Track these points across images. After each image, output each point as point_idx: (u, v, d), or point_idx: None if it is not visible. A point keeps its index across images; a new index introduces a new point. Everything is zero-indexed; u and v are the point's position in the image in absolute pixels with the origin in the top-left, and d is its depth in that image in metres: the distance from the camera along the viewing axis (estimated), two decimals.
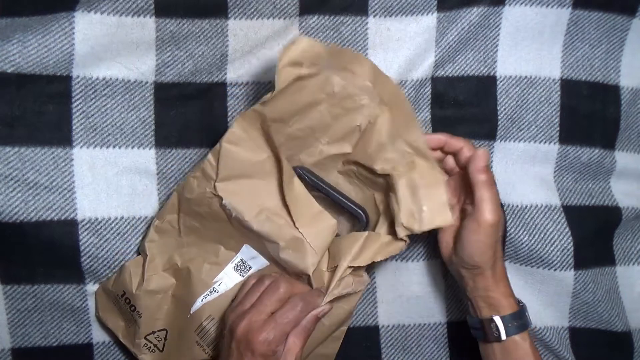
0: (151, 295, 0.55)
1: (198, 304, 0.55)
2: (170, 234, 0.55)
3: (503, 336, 0.49)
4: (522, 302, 0.53)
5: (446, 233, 0.53)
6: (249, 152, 0.51)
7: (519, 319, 0.50)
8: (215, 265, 0.55)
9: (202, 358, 0.56)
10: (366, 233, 0.53)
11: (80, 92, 0.55)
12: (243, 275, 0.55)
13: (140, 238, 0.57)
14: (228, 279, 0.55)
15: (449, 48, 0.60)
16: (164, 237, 0.55)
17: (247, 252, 0.55)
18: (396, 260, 0.63)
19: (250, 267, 0.55)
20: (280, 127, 0.51)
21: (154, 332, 0.56)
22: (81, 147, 0.55)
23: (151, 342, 0.56)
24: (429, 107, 0.61)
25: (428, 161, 0.52)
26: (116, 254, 0.56)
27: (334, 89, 0.51)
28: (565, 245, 0.60)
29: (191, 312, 0.55)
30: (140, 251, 0.56)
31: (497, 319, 0.50)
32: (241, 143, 0.51)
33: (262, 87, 0.58)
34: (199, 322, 0.55)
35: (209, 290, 0.55)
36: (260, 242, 0.52)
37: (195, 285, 0.55)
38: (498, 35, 0.60)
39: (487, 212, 0.48)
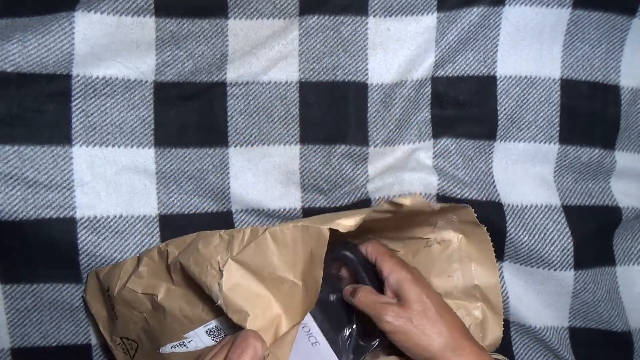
0: (127, 307, 0.53)
1: (167, 349, 0.52)
2: (165, 264, 0.52)
3: None
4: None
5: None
6: (281, 261, 0.47)
7: None
8: (189, 320, 0.51)
9: None
10: None
11: (80, 91, 0.55)
12: (215, 341, 0.51)
13: (139, 237, 0.57)
14: (199, 340, 0.51)
15: (449, 48, 0.60)
16: (161, 262, 0.53)
17: (225, 322, 0.50)
18: None
19: (225, 334, 0.51)
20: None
21: (128, 339, 0.55)
22: (80, 145, 0.55)
23: (125, 346, 0.55)
24: (429, 107, 0.61)
25: (497, 317, 0.54)
26: (115, 253, 0.56)
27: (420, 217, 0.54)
28: (565, 245, 0.60)
29: (160, 351, 0.53)
30: (139, 257, 0.55)
31: None
32: (281, 247, 0.47)
33: (262, 87, 0.58)
34: None
35: (178, 342, 0.52)
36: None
37: (167, 328, 0.52)
38: (498, 35, 0.60)
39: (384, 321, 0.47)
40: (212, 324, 0.51)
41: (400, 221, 0.56)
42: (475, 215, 0.56)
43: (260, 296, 0.47)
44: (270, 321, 0.47)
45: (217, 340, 0.51)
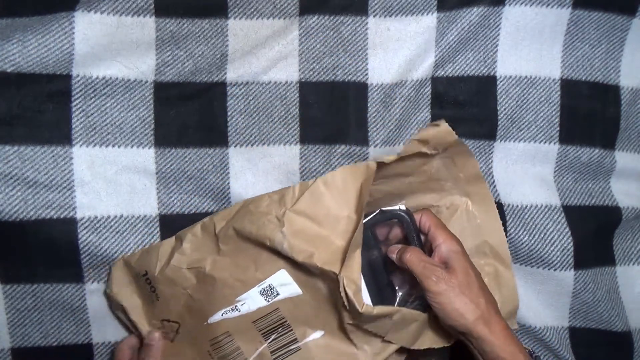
0: (170, 285, 0.54)
1: (217, 316, 0.54)
2: (211, 237, 0.54)
3: None
4: (534, 352, 0.52)
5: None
6: (334, 201, 0.51)
7: None
8: (242, 283, 0.54)
9: None
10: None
11: (80, 91, 0.55)
12: (268, 301, 0.54)
13: (139, 237, 0.57)
14: (252, 301, 0.54)
15: (449, 48, 0.60)
16: (205, 236, 0.54)
17: (279, 277, 0.54)
18: None
19: (277, 294, 0.54)
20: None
21: (169, 321, 0.56)
22: (80, 145, 0.55)
23: (165, 329, 0.56)
24: (429, 107, 0.61)
25: (507, 269, 0.57)
26: (115, 253, 0.56)
27: (431, 170, 0.57)
28: (565, 245, 0.60)
29: (209, 322, 0.54)
30: (177, 237, 0.56)
31: None
32: (333, 190, 0.51)
33: (262, 87, 0.58)
34: (215, 334, 0.54)
35: (230, 307, 0.54)
36: (302, 268, 0.52)
37: (216, 297, 0.54)
38: (498, 35, 0.60)
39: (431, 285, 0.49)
40: (266, 282, 0.54)
41: (416, 186, 0.59)
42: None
43: (320, 236, 0.51)
44: (333, 254, 0.51)
45: (270, 300, 0.54)
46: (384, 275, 0.54)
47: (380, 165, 0.53)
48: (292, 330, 0.55)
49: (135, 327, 0.57)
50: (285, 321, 0.55)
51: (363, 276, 0.52)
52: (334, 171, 0.52)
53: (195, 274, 0.54)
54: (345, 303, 0.49)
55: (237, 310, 0.54)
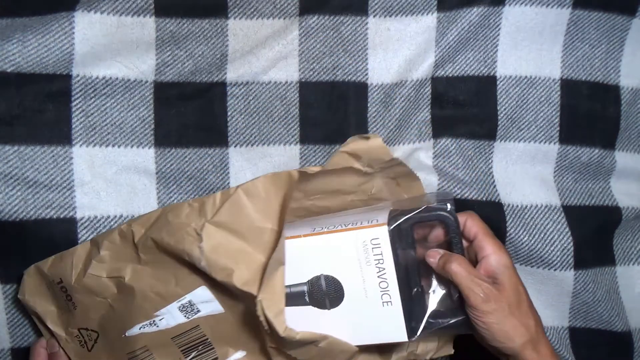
0: (88, 294, 0.52)
1: (135, 330, 0.51)
2: (131, 245, 0.51)
3: None
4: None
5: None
6: (258, 213, 0.47)
7: None
8: (161, 297, 0.50)
9: None
10: None
11: (80, 91, 0.55)
12: (188, 318, 0.51)
13: None
14: (170, 317, 0.51)
15: (449, 48, 0.60)
16: (124, 244, 0.51)
17: (200, 294, 0.50)
18: None
19: (198, 311, 0.51)
20: (300, 197, 0.50)
21: (87, 329, 0.53)
22: (80, 145, 0.55)
23: (83, 337, 0.53)
24: (429, 107, 0.61)
25: None
26: None
27: (371, 190, 0.52)
28: (565, 245, 0.60)
29: (126, 335, 0.52)
30: (92, 242, 0.53)
31: None
32: (255, 200, 0.47)
33: (262, 87, 0.58)
34: (132, 347, 0.52)
35: (148, 321, 0.51)
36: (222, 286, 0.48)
37: (135, 309, 0.51)
38: (498, 35, 0.60)
39: (471, 298, 0.45)
40: (186, 298, 0.50)
41: (358, 204, 0.55)
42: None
43: (242, 251, 0.47)
44: (255, 272, 0.46)
45: (189, 316, 0.51)
46: (417, 280, 0.48)
47: (304, 175, 0.48)
48: (213, 349, 0.52)
49: (52, 334, 0.55)
50: (207, 339, 0.52)
51: (397, 277, 0.46)
52: (255, 180, 0.48)
53: (115, 283, 0.51)
54: (265, 327, 0.44)
55: (155, 325, 0.51)
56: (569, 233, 0.60)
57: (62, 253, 0.53)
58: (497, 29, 0.60)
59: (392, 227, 0.46)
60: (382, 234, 0.46)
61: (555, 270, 0.60)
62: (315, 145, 0.59)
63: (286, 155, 0.59)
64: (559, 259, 0.60)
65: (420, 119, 0.61)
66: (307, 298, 0.48)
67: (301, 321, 0.46)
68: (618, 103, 0.63)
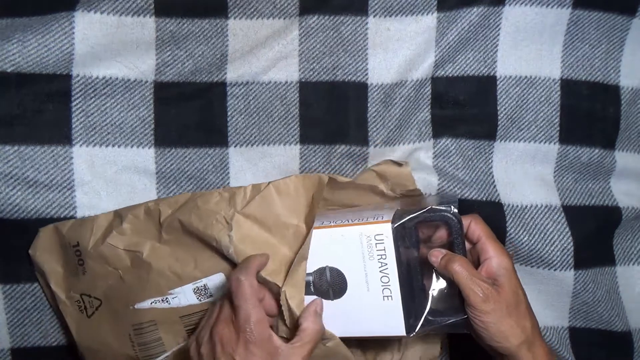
0: (101, 262, 0.53)
1: (146, 304, 0.53)
2: (154, 223, 0.53)
3: None
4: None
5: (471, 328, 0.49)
6: (285, 209, 0.51)
7: None
8: (177, 277, 0.53)
9: (127, 352, 0.54)
10: None
11: (80, 91, 0.55)
12: (200, 300, 0.53)
13: None
14: (183, 297, 0.53)
15: (449, 48, 0.60)
16: (148, 220, 0.53)
17: (216, 279, 0.52)
18: None
19: (211, 295, 0.53)
20: (321, 205, 0.52)
21: (90, 296, 0.54)
22: (81, 145, 0.55)
23: (84, 303, 0.54)
24: (429, 107, 0.61)
25: None
26: None
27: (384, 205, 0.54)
28: (565, 245, 0.60)
29: (135, 307, 0.53)
30: (116, 213, 0.54)
31: None
32: (285, 197, 0.51)
33: (262, 87, 0.58)
34: (139, 319, 0.53)
35: (161, 297, 0.53)
36: None
37: (149, 284, 0.53)
38: (498, 35, 0.60)
39: (471, 297, 0.46)
40: (202, 282, 0.52)
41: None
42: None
43: (268, 243, 0.50)
44: (280, 263, 0.49)
45: (202, 299, 0.53)
46: (419, 278, 0.49)
47: (333, 181, 0.52)
48: None
49: (52, 296, 0.55)
50: None
51: (398, 273, 0.47)
52: (287, 178, 0.51)
53: (131, 256, 0.53)
54: (286, 316, 0.47)
55: (166, 302, 0.53)
56: (569, 233, 0.60)
57: (83, 218, 0.54)
58: (497, 29, 0.60)
59: (396, 225, 0.47)
60: (386, 230, 0.47)
61: (555, 270, 0.60)
62: (315, 145, 0.59)
63: (286, 155, 0.59)
64: (559, 259, 0.60)
65: (420, 119, 0.61)
66: (312, 288, 0.49)
67: None
68: (618, 103, 0.63)
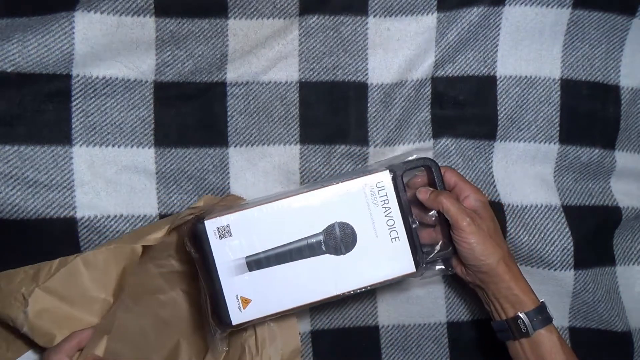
0: None
1: None
2: None
3: (531, 331, 0.51)
4: (541, 299, 0.54)
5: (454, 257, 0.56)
6: (93, 282, 0.50)
7: (542, 313, 0.52)
8: None
9: None
10: None
11: (80, 91, 0.55)
12: None
13: None
14: None
15: (449, 48, 0.60)
16: None
17: (26, 358, 0.52)
18: None
19: None
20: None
21: None
22: (80, 145, 0.55)
23: None
24: (429, 107, 0.61)
25: None
26: None
27: None
28: (565, 245, 0.60)
29: None
30: None
31: (523, 315, 0.52)
32: (93, 270, 0.50)
33: (262, 87, 0.58)
34: None
35: None
36: None
37: None
38: (498, 35, 0.60)
39: (458, 221, 0.51)
40: None
41: None
42: None
43: (69, 318, 0.49)
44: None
45: None
46: (413, 219, 0.53)
47: (147, 247, 0.52)
48: None
49: None
50: None
51: (401, 215, 0.52)
52: (97, 250, 0.50)
53: None
54: None
55: None
56: (569, 233, 0.60)
57: None
58: (497, 29, 0.60)
59: (393, 173, 0.52)
60: (385, 177, 0.52)
61: (555, 270, 0.60)
62: (315, 145, 0.59)
63: (286, 155, 0.59)
64: (558, 259, 0.60)
65: (420, 119, 0.61)
66: (323, 247, 0.51)
67: (319, 271, 0.51)
68: (618, 103, 0.63)
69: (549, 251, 0.60)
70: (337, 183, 0.51)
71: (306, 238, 0.51)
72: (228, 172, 0.59)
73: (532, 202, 0.61)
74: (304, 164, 0.60)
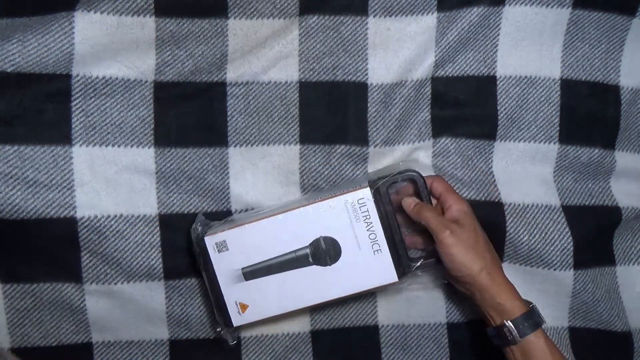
0: None
1: None
2: None
3: (517, 339, 0.52)
4: (532, 303, 0.54)
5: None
6: None
7: (530, 319, 0.52)
8: None
9: None
10: None
11: (80, 90, 0.55)
12: None
13: (140, 236, 0.57)
14: None
15: (449, 48, 0.60)
16: None
17: None
18: None
19: None
20: None
21: None
22: (80, 145, 0.55)
23: None
24: (429, 107, 0.61)
25: None
26: (115, 252, 0.56)
27: None
28: (565, 245, 0.60)
29: None
30: None
31: (509, 324, 0.52)
32: None
33: (262, 87, 0.58)
34: None
35: None
36: None
37: None
38: (498, 35, 0.60)
39: (439, 234, 0.53)
40: None
41: None
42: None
43: None
44: None
45: None
46: (398, 232, 0.56)
47: None
48: None
49: None
50: None
51: (382, 229, 0.55)
52: None
53: None
54: None
55: None
56: (569, 233, 0.60)
57: None
58: (497, 29, 0.60)
59: (373, 189, 0.55)
60: (366, 194, 0.55)
61: (555, 270, 0.60)
62: (315, 145, 0.59)
63: (286, 155, 0.59)
64: (558, 259, 0.60)
65: (420, 119, 0.61)
66: (310, 259, 0.55)
67: (307, 280, 0.55)
68: (618, 103, 0.63)
69: (549, 251, 0.60)
70: (322, 200, 0.55)
71: (295, 251, 0.55)
72: (228, 172, 0.59)
73: (532, 202, 0.61)
74: (303, 163, 0.60)
